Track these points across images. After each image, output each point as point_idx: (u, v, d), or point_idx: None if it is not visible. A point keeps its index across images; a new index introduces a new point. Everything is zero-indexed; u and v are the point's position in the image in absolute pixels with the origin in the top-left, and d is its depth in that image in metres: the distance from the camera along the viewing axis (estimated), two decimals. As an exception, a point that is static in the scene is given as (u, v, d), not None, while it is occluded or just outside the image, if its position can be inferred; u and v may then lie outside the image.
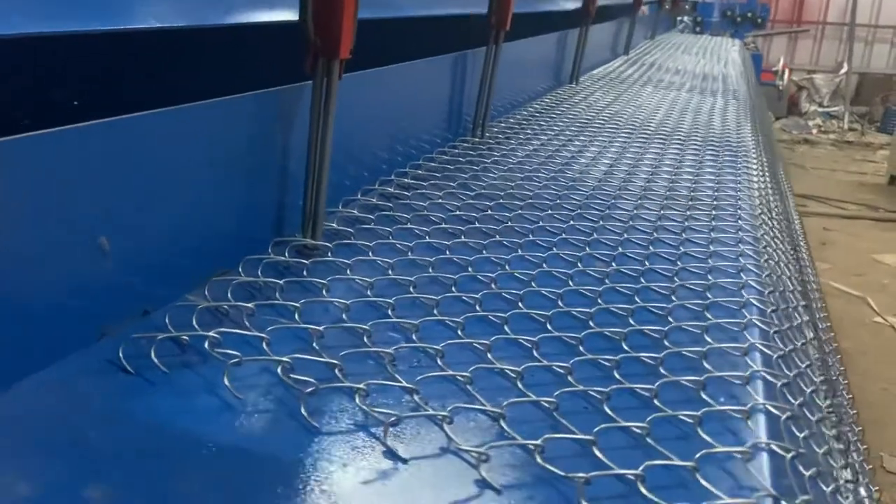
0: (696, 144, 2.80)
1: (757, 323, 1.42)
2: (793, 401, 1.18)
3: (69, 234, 1.06)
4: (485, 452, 0.92)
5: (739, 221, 1.95)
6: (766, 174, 2.73)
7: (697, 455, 0.96)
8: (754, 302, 1.52)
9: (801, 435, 1.10)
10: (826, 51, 13.27)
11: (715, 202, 2.10)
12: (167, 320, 1.16)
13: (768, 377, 1.22)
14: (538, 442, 0.95)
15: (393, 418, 0.97)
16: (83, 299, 1.09)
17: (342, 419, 1.00)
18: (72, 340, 1.08)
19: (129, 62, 1.11)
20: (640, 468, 0.92)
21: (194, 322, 1.16)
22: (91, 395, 1.00)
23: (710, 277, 1.58)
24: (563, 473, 0.91)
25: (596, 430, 0.98)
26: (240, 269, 1.37)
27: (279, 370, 1.06)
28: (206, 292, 1.27)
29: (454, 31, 2.35)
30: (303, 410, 0.99)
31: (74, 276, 1.08)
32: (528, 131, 2.73)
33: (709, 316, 1.40)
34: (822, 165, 10.14)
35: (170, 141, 1.21)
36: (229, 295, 1.27)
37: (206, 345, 1.10)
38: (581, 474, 0.90)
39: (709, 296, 1.49)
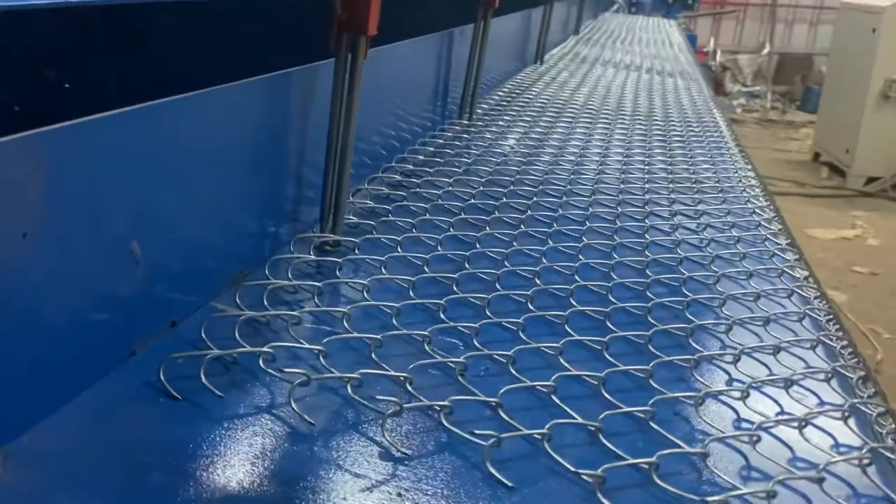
0: (676, 126, 2.77)
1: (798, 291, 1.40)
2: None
3: (100, 240, 0.91)
4: (600, 475, 0.84)
5: (749, 203, 1.92)
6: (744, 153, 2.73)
7: None
8: (788, 271, 1.52)
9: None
10: (748, 31, 13.65)
11: (718, 184, 2.06)
12: (203, 333, 1.02)
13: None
14: (652, 459, 0.87)
15: (492, 440, 0.87)
16: (114, 313, 0.94)
17: (428, 442, 0.89)
18: (104, 361, 0.93)
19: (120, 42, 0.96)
20: None
21: (237, 335, 1.03)
22: (140, 426, 0.86)
23: (742, 262, 1.53)
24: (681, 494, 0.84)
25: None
26: (267, 272, 1.23)
27: (349, 388, 0.94)
28: (238, 299, 1.13)
29: (434, 10, 2.23)
30: (386, 436, 0.88)
31: (105, 286, 0.93)
32: (512, 113, 2.64)
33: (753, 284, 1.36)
34: (748, 144, 10.37)
35: (190, 130, 1.06)
36: (265, 302, 1.13)
37: (261, 362, 0.97)
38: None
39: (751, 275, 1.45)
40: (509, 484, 0.83)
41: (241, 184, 1.23)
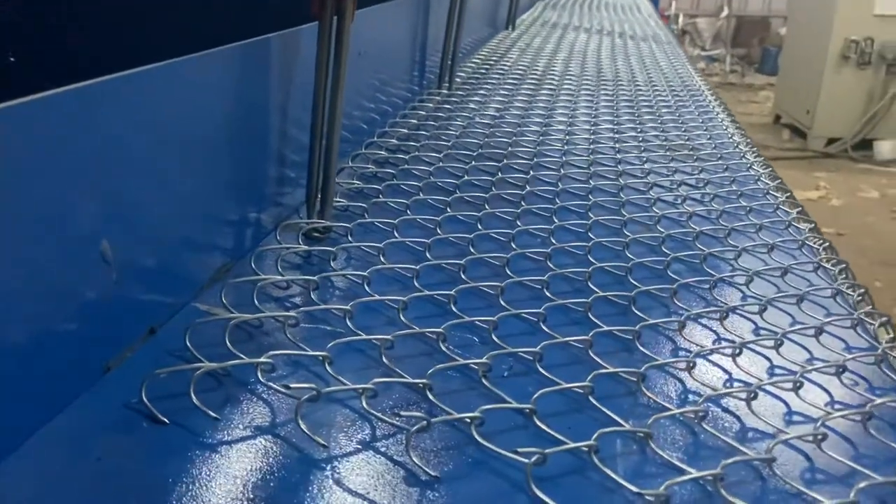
0: (660, 91, 2.67)
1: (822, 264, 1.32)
2: None
3: (64, 239, 0.76)
4: (664, 494, 0.73)
5: (752, 171, 1.83)
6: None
7: None
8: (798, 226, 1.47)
9: None
10: (706, -5, 13.60)
11: (715, 150, 1.97)
12: (188, 342, 0.88)
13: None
14: (717, 471, 0.77)
15: (536, 457, 0.75)
16: (83, 323, 0.80)
17: (459, 461, 0.78)
18: (73, 382, 0.79)
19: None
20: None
21: (228, 342, 0.89)
22: (121, 460, 0.72)
23: (759, 234, 1.44)
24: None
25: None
26: (252, 265, 1.10)
27: (363, 401, 0.82)
28: (223, 298, 1.00)
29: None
30: (412, 456, 0.76)
31: (73, 293, 0.79)
32: (492, 81, 2.50)
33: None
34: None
35: (158, 106, 0.92)
36: (255, 301, 1.00)
37: (259, 373, 0.84)
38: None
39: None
40: (559, 508, 0.72)
41: (216, 166, 1.09)
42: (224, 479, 0.72)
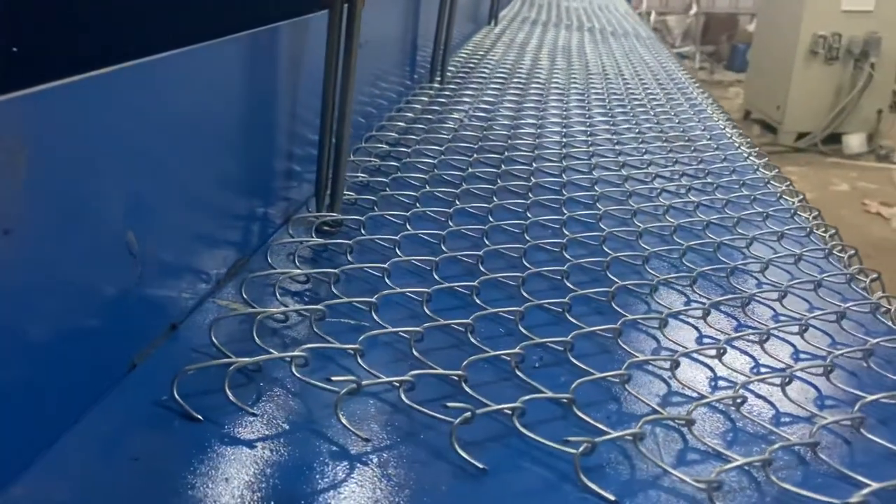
0: (647, 84, 2.68)
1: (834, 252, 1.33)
2: None
3: (93, 230, 0.73)
4: (715, 480, 0.72)
5: (750, 161, 1.84)
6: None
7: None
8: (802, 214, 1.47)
9: None
10: (675, -7, 13.75)
11: (710, 139, 1.97)
12: (213, 338, 0.85)
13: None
14: (766, 456, 0.76)
15: (584, 446, 0.74)
16: (109, 319, 0.77)
17: (503, 453, 0.76)
18: (102, 379, 0.76)
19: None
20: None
21: (256, 337, 0.87)
22: (160, 459, 0.70)
23: (766, 222, 1.44)
24: None
25: None
26: (269, 259, 1.07)
27: (401, 394, 0.80)
28: (244, 294, 0.97)
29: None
30: (458, 449, 0.74)
31: (99, 287, 0.75)
32: (482, 75, 2.49)
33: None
34: (681, 104, 10.55)
35: (167, 94, 0.89)
36: (277, 295, 0.97)
37: (293, 368, 0.81)
38: None
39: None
40: (611, 497, 0.71)
41: (227, 158, 1.06)
42: (266, 475, 0.69)
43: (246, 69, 1.07)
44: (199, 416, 0.75)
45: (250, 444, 0.73)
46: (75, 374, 0.72)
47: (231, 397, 0.76)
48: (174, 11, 0.93)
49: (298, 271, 1.04)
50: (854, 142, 7.97)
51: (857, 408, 0.86)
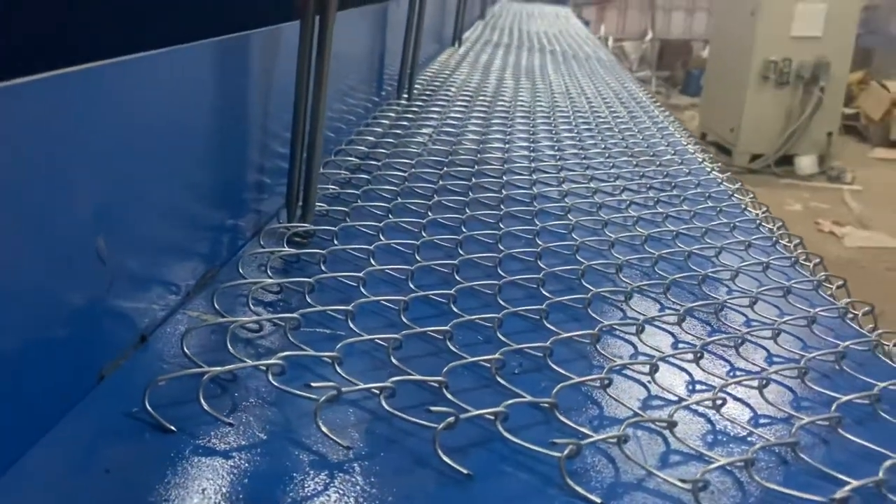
0: (609, 103, 2.72)
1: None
2: None
3: (59, 237, 0.70)
4: (700, 480, 0.72)
5: (713, 174, 1.88)
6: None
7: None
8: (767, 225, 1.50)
9: None
10: (631, 19, 14.07)
11: (674, 154, 2.01)
12: (185, 348, 0.83)
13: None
14: (748, 456, 0.76)
15: (569, 448, 0.73)
16: (77, 328, 0.74)
17: (487, 458, 0.75)
18: (69, 391, 0.73)
19: None
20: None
21: (230, 347, 0.84)
22: (133, 472, 0.67)
23: (732, 233, 1.47)
24: None
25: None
26: (240, 270, 1.05)
27: (382, 400, 0.78)
28: (215, 304, 0.94)
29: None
30: (441, 454, 0.72)
31: (67, 296, 0.73)
32: (448, 93, 2.50)
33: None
34: (639, 127, 10.75)
35: (146, 98, 0.87)
36: (250, 305, 0.95)
37: (270, 376, 0.79)
38: None
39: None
40: (597, 500, 0.70)
41: (196, 167, 1.03)
42: (244, 486, 0.67)
43: (216, 77, 1.05)
44: (172, 427, 0.72)
45: (226, 455, 0.71)
46: (41, 386, 0.69)
47: (205, 406, 0.74)
48: (144, 13, 0.91)
49: (271, 280, 1.02)
50: (806, 163, 8.20)
51: (833, 408, 0.87)
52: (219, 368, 0.78)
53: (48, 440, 0.67)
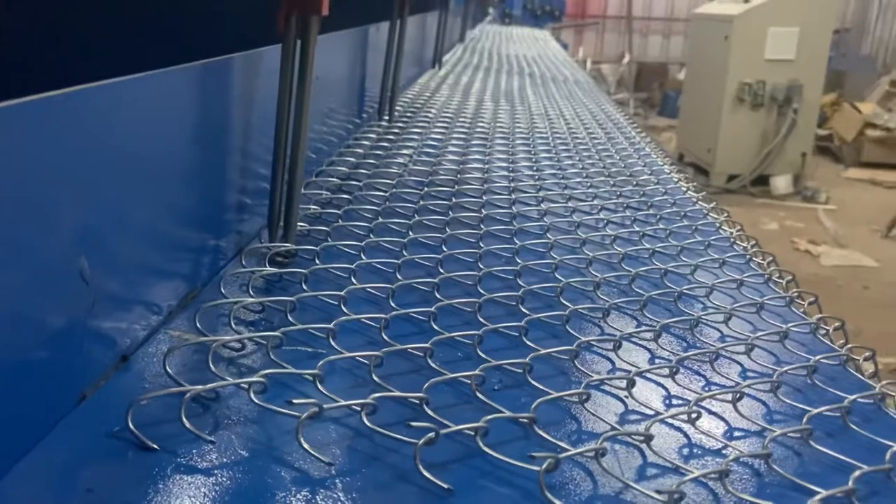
0: (588, 126, 2.76)
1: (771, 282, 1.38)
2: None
3: (40, 258, 0.71)
4: (676, 491, 0.73)
5: (690, 194, 1.91)
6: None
7: None
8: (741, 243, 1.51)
9: None
10: (608, 42, 14.30)
11: (650, 174, 2.04)
12: (167, 367, 0.83)
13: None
14: (723, 468, 0.78)
15: (548, 462, 0.74)
16: (59, 349, 0.75)
17: (468, 473, 0.76)
18: (50, 411, 0.73)
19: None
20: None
21: (211, 365, 0.85)
22: (117, 492, 0.67)
23: (707, 251, 1.49)
24: None
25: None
26: (222, 289, 1.06)
27: (363, 417, 0.79)
28: (198, 323, 0.95)
29: (349, 4, 2.09)
30: (423, 470, 0.73)
31: (49, 316, 0.73)
32: (429, 115, 2.53)
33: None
34: (618, 148, 10.87)
35: (130, 121, 0.88)
36: (232, 324, 0.96)
37: (251, 394, 0.80)
38: None
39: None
40: (576, 512, 0.71)
41: (178, 189, 1.04)
42: (227, 503, 0.67)
43: (198, 99, 1.06)
44: (155, 446, 0.72)
45: (209, 472, 0.71)
46: (22, 406, 0.70)
47: (187, 425, 0.74)
48: (125, 37, 0.93)
49: (253, 300, 1.02)
50: (781, 183, 8.33)
51: (805, 421, 0.89)
52: (201, 387, 0.79)
53: (29, 461, 0.67)
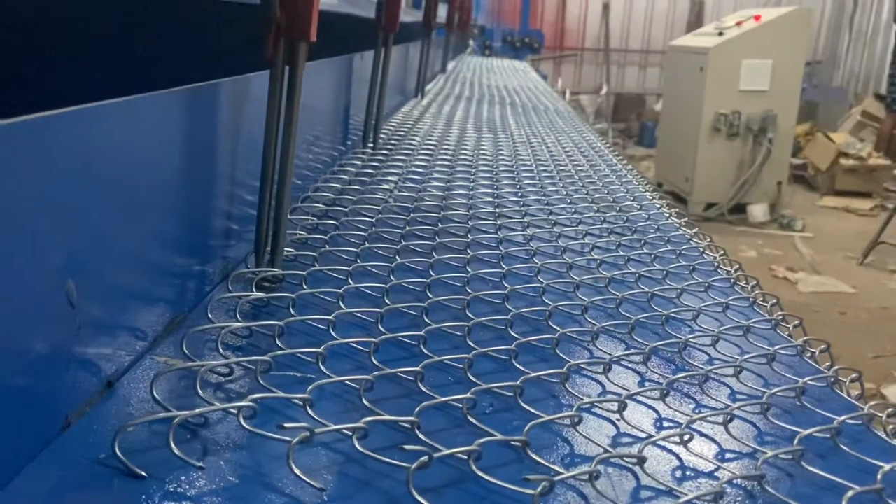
0: (571, 153, 2.79)
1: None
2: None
3: (26, 283, 0.70)
4: (671, 510, 0.73)
5: (672, 217, 1.93)
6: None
7: None
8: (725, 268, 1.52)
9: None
10: (586, 73, 14.52)
11: (633, 200, 2.06)
12: (154, 393, 0.82)
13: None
14: (716, 490, 0.78)
15: (542, 485, 0.74)
16: (41, 375, 0.73)
17: (464, 498, 0.75)
18: (33, 438, 0.71)
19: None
20: None
21: (199, 390, 0.83)
22: (101, 520, 0.65)
23: (692, 275, 1.50)
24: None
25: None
26: (209, 314, 1.04)
27: (354, 441, 0.78)
28: (184, 349, 0.94)
29: (334, 33, 2.11)
30: (415, 493, 0.72)
31: (33, 339, 0.72)
32: (413, 143, 2.54)
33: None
34: (597, 177, 10.98)
35: (114, 144, 0.87)
36: (220, 349, 0.94)
37: (241, 419, 0.78)
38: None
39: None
40: (572, 535, 0.70)
41: (164, 214, 1.04)
42: (217, 531, 0.66)
43: (184, 124, 1.06)
44: (143, 473, 0.71)
45: (197, 499, 0.70)
46: (4, 433, 0.68)
47: (176, 451, 0.73)
48: (112, 61, 0.93)
49: (240, 325, 1.01)
50: (758, 211, 8.45)
51: (795, 442, 0.89)
52: (188, 412, 0.77)
53: (12, 489, 0.66)
